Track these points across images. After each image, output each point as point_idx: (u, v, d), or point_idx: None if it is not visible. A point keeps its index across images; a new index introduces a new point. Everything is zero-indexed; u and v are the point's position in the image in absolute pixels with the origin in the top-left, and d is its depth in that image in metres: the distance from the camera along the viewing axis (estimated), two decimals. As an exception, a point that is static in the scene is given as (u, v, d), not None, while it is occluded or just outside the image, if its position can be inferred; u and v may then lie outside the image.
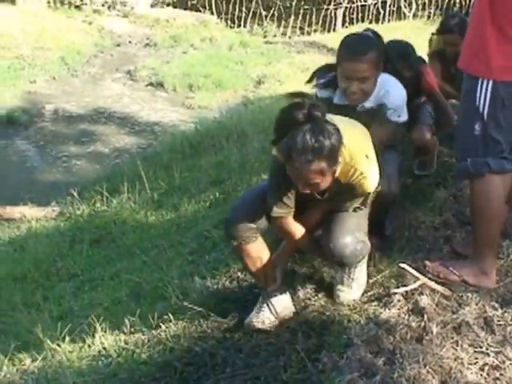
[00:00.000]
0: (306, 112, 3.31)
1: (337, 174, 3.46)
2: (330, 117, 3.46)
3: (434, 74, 5.32)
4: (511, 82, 3.48)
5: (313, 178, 3.34)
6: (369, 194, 3.67)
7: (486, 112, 3.52)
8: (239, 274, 4.24)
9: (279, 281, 3.84)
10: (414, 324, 3.44)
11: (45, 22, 16.04)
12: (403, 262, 3.83)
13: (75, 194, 6.97)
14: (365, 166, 3.53)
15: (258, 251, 3.76)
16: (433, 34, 6.09)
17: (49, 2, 17.68)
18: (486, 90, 3.51)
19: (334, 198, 3.66)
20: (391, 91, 4.05)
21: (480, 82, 3.52)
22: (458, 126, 3.83)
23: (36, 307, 4.64)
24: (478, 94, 3.54)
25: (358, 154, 3.53)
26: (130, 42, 16.71)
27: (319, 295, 3.86)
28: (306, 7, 19.55)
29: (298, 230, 3.76)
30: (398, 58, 4.63)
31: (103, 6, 18.48)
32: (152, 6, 19.88)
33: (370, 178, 3.55)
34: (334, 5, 19.34)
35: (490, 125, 3.53)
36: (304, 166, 3.28)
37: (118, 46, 16.42)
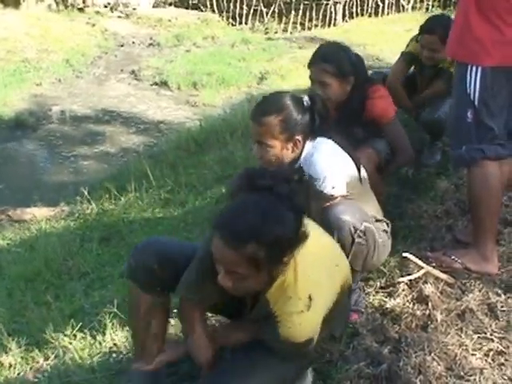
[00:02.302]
0: (269, 183, 2.63)
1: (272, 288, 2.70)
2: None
3: (388, 90, 4.69)
4: (499, 67, 3.52)
5: (234, 264, 2.57)
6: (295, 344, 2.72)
7: (477, 99, 3.55)
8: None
9: (155, 365, 3.08)
10: (418, 312, 3.48)
11: (48, 25, 16.08)
12: (407, 252, 3.87)
13: (85, 193, 7.00)
14: (297, 307, 2.65)
15: (157, 311, 3.16)
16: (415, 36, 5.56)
17: (51, 6, 17.72)
18: (476, 76, 3.54)
19: (262, 323, 2.83)
20: (316, 162, 3.39)
21: (469, 69, 3.56)
22: (451, 114, 3.87)
23: (47, 306, 4.67)
24: (468, 82, 3.57)
25: (303, 287, 2.67)
26: (133, 43, 16.72)
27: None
28: (305, 2, 19.51)
29: (200, 335, 2.95)
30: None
31: (105, 7, 18.51)
32: (154, 6, 19.90)
33: (300, 326, 2.67)
34: (334, -1, 19.35)
35: (482, 111, 3.56)
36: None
37: (122, 46, 16.44)
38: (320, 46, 4.55)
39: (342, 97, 4.34)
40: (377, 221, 3.56)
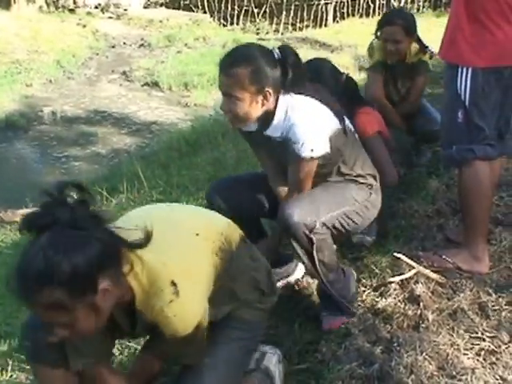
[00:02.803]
0: (46, 212, 2.33)
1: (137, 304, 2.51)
2: (134, 215, 2.70)
3: (372, 109, 4.66)
4: (490, 68, 3.53)
5: (47, 316, 2.33)
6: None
7: (467, 100, 3.57)
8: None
9: None
10: (410, 312, 3.49)
11: (39, 27, 16.04)
12: (398, 252, 3.88)
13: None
14: (164, 300, 2.48)
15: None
16: (374, 39, 5.40)
17: (42, 7, 17.70)
18: (466, 77, 3.56)
19: (155, 340, 2.74)
20: (295, 124, 3.32)
21: (460, 70, 3.57)
22: (443, 115, 3.89)
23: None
24: (458, 83, 3.58)
25: (161, 278, 2.50)
26: (124, 44, 16.70)
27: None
28: (297, 3, 19.52)
29: None
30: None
31: (96, 8, 18.48)
32: (145, 6, 19.89)
33: (177, 317, 2.51)
34: (325, 0, 19.34)
35: (473, 112, 3.58)
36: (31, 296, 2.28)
37: (113, 47, 16.42)
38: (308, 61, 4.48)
39: None
40: (359, 176, 3.60)
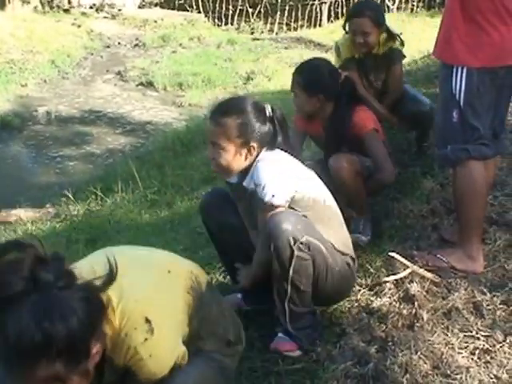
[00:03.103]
0: (27, 275, 2.03)
1: (108, 353, 2.29)
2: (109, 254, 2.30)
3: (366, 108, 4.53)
4: (484, 68, 3.53)
5: None
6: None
7: (462, 99, 3.57)
8: (233, 268, 4.28)
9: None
10: (405, 311, 3.48)
11: (34, 27, 16.05)
12: (393, 251, 3.88)
13: (70, 195, 6.99)
14: (138, 339, 2.29)
15: None
16: (337, 40, 5.37)
17: (37, 7, 17.69)
18: (461, 77, 3.55)
19: None
20: (258, 167, 3.28)
21: (455, 70, 3.57)
22: (437, 114, 3.88)
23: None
24: (453, 82, 3.58)
25: (134, 316, 2.30)
26: (119, 44, 16.72)
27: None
28: (291, 3, 19.58)
29: None
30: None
31: (91, 8, 18.52)
32: (140, 6, 19.90)
33: (152, 357, 2.32)
34: (319, 0, 19.36)
35: (467, 112, 3.57)
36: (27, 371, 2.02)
37: (108, 47, 16.44)
38: (308, 60, 4.62)
39: (310, 110, 4.40)
40: (338, 251, 3.39)
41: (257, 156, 3.35)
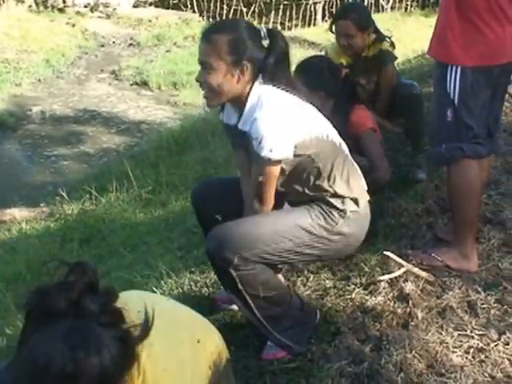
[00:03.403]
0: (73, 298, 1.84)
1: None
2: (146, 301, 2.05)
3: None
4: (479, 67, 3.53)
5: None
6: None
7: (456, 98, 3.56)
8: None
9: None
10: (399, 310, 3.48)
11: (28, 26, 16.05)
12: (387, 250, 3.88)
13: (64, 195, 6.99)
14: None
15: None
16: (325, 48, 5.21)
17: (32, 6, 17.67)
18: (456, 76, 3.55)
19: None
20: (257, 118, 2.99)
21: (449, 68, 3.56)
22: (432, 113, 3.87)
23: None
24: (448, 81, 3.58)
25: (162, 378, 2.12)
26: (113, 43, 16.72)
27: (306, 286, 3.91)
28: (285, 2, 19.59)
29: None
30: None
31: (86, 7, 18.50)
32: (134, 6, 19.89)
33: None
34: (314, -1, 19.40)
35: (462, 111, 3.57)
36: None
37: (102, 46, 16.44)
38: (308, 58, 4.60)
39: None
40: (335, 196, 3.17)
41: (252, 84, 3.11)
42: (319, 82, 4.32)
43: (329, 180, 3.17)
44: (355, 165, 3.36)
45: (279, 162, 3.04)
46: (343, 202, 3.20)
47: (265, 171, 3.06)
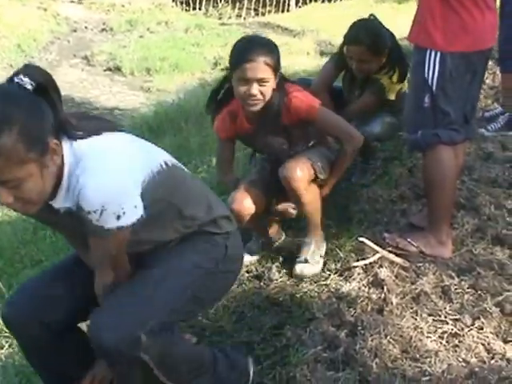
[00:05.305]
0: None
1: None
2: None
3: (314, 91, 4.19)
4: (458, 53, 3.53)
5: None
6: None
7: (434, 84, 3.56)
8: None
9: None
10: (374, 296, 3.51)
11: (0, 11, 15.87)
12: (362, 236, 3.90)
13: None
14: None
15: None
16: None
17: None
18: (434, 62, 3.54)
19: None
20: (84, 183, 2.29)
21: (428, 54, 3.56)
22: (408, 99, 3.86)
23: (0, 295, 4.63)
24: (426, 66, 3.57)
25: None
26: (86, 28, 16.57)
27: (281, 273, 3.91)
28: (259, -12, 19.52)
29: None
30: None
31: (58, -9, 18.32)
32: (107, -10, 19.72)
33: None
34: (288, -15, 19.32)
35: (439, 97, 3.57)
36: None
37: (75, 31, 16.29)
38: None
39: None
40: (206, 224, 2.80)
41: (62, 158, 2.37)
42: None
43: (195, 211, 2.77)
44: (199, 183, 2.97)
45: (128, 227, 2.42)
46: (220, 226, 2.85)
47: (114, 243, 2.50)
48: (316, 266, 3.88)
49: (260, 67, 3.52)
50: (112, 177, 2.31)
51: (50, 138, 2.28)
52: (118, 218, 2.33)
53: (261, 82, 3.55)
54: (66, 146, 2.36)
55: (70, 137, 2.37)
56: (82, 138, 2.39)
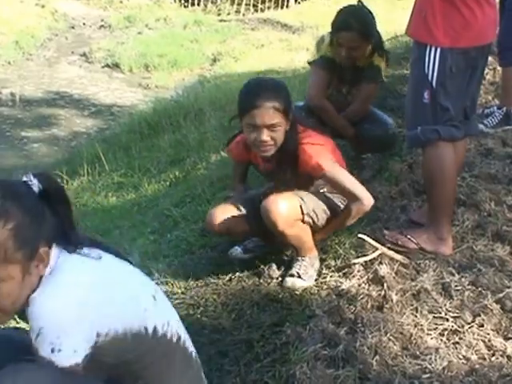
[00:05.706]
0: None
1: None
2: None
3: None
4: (458, 49, 3.52)
5: None
6: None
7: (434, 80, 3.55)
8: (201, 250, 4.26)
9: None
10: (374, 293, 3.49)
11: (-3, 7, 15.88)
12: (362, 233, 3.88)
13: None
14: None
15: None
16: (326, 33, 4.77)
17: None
18: (435, 57, 3.53)
19: None
20: (33, 304, 2.10)
21: (428, 49, 3.55)
22: (408, 95, 3.86)
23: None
24: (426, 62, 3.56)
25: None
26: (84, 24, 16.58)
27: (281, 270, 3.90)
28: (258, -16, 19.50)
29: None
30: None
31: (55, -12, 18.30)
32: (105, -14, 19.71)
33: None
34: (287, -19, 19.30)
35: (439, 92, 3.56)
36: None
37: (73, 28, 16.30)
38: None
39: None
40: None
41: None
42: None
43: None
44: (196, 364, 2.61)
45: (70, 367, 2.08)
46: None
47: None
48: (309, 281, 3.71)
49: (269, 113, 3.43)
50: (64, 307, 2.09)
51: (42, 244, 2.17)
52: (53, 351, 2.06)
53: (271, 127, 3.45)
54: (54, 258, 2.22)
55: (67, 249, 2.25)
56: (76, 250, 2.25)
